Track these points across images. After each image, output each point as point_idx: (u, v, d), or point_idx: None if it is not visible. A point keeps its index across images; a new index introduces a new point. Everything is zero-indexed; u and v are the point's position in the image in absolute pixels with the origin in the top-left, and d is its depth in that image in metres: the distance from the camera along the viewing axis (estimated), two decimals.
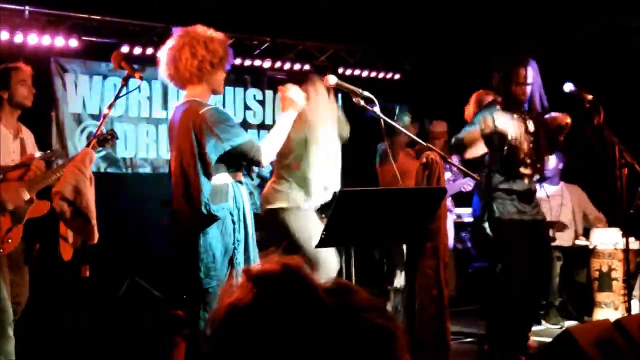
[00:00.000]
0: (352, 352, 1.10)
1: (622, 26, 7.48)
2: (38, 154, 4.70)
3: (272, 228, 5.04)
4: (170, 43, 3.90)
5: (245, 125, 8.33)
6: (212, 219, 3.72)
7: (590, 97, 4.91)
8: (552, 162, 6.91)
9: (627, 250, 5.16)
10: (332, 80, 4.33)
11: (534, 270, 5.04)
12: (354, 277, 4.08)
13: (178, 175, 3.83)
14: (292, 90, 4.11)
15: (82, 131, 7.55)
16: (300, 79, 4.72)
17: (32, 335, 4.97)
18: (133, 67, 4.02)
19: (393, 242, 5.62)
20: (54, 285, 5.31)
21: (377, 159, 5.81)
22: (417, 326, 5.01)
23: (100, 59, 7.50)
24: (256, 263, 3.70)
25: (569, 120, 5.06)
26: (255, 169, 7.02)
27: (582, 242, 7.00)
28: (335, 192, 4.27)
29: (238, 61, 7.93)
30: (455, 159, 7.17)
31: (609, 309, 6.42)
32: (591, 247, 6.69)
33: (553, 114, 5.11)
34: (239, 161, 3.92)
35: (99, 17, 7.31)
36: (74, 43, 7.20)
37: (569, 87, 5.03)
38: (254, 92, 8.71)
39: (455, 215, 7.88)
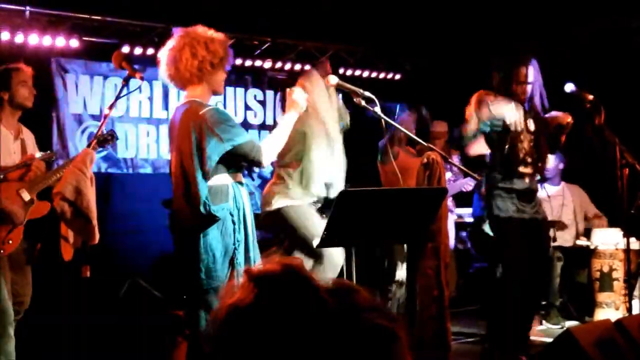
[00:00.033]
0: (353, 352, 1.10)
1: (622, 26, 7.48)
2: (38, 154, 4.70)
3: (274, 229, 5.04)
4: (170, 43, 3.90)
5: (246, 125, 8.33)
6: (211, 219, 3.72)
7: (590, 97, 4.91)
8: (551, 162, 6.90)
9: (627, 250, 5.16)
10: (333, 80, 4.34)
11: (534, 269, 5.04)
12: (354, 276, 4.09)
13: (178, 176, 3.83)
14: (296, 92, 4.12)
15: (83, 131, 7.55)
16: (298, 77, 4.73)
17: (33, 335, 4.98)
18: (133, 67, 4.03)
19: (394, 242, 5.62)
20: (55, 285, 5.31)
21: (379, 156, 5.81)
22: (417, 326, 5.01)
23: (101, 59, 7.50)
24: (257, 263, 3.71)
25: (569, 119, 5.06)
26: (256, 169, 7.02)
27: (582, 242, 7.00)
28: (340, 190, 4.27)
29: (238, 61, 7.94)
30: (455, 159, 7.18)
31: (609, 309, 6.42)
32: (592, 247, 6.69)
33: (554, 113, 5.11)
34: (240, 161, 3.92)
35: (99, 17, 7.31)
36: (74, 43, 7.20)
37: (569, 87, 5.03)
38: (254, 92, 8.71)
39: (456, 215, 7.88)
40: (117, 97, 4.09)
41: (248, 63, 8.30)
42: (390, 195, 4.16)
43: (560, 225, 6.94)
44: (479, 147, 5.19)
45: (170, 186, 3.94)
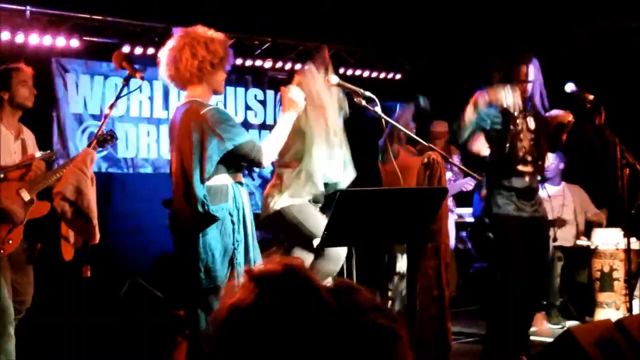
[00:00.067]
0: (354, 352, 1.10)
1: (622, 26, 7.49)
2: (38, 154, 4.70)
3: (274, 229, 5.03)
4: (170, 43, 3.90)
5: (246, 125, 8.33)
6: (210, 218, 3.72)
7: (591, 97, 4.91)
8: (552, 162, 6.90)
9: (628, 250, 5.16)
10: (334, 79, 4.34)
11: (533, 268, 5.04)
12: (354, 273, 4.09)
13: (178, 176, 3.83)
14: (293, 91, 4.11)
15: (83, 131, 7.55)
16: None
17: (33, 335, 4.98)
18: (134, 67, 4.03)
19: (394, 242, 5.62)
20: (55, 285, 5.31)
21: (379, 156, 5.81)
22: (417, 326, 5.01)
23: (101, 59, 7.50)
24: (257, 263, 3.71)
25: (570, 118, 5.06)
26: (256, 168, 7.02)
27: (583, 242, 7.00)
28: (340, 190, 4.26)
29: (239, 61, 7.94)
30: (456, 159, 7.19)
31: (610, 309, 6.42)
32: (592, 247, 6.69)
33: (554, 112, 5.12)
34: (240, 162, 3.92)
35: (100, 17, 7.31)
36: (75, 43, 7.20)
37: (570, 87, 5.04)
38: (254, 92, 8.71)
39: (456, 215, 7.88)
40: (118, 97, 4.09)
41: (248, 63, 8.31)
42: (391, 195, 4.16)
43: (559, 222, 6.93)
44: (480, 145, 5.20)
45: (170, 186, 3.94)
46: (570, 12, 7.12)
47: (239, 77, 8.46)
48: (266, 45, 8.33)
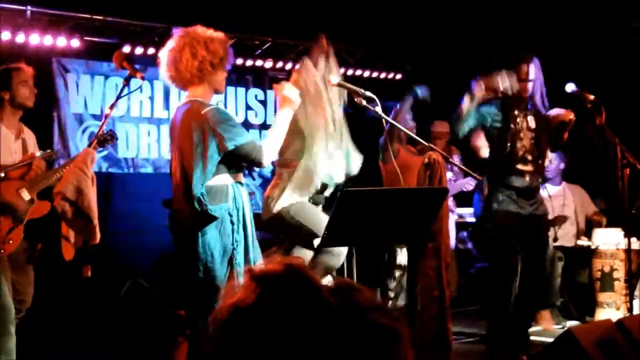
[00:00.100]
0: (355, 352, 1.10)
1: (622, 26, 7.48)
2: (38, 153, 4.70)
3: (274, 229, 5.02)
4: (170, 44, 3.90)
5: (247, 125, 8.33)
6: (208, 217, 3.72)
7: (591, 97, 4.91)
8: (552, 162, 6.90)
9: (628, 250, 5.16)
10: (334, 80, 4.33)
11: (531, 265, 5.04)
12: (355, 272, 4.09)
13: (178, 176, 3.83)
14: (287, 88, 4.11)
15: (84, 131, 7.55)
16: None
17: (34, 334, 4.98)
18: (134, 67, 4.03)
19: (394, 242, 5.63)
20: (56, 285, 5.31)
21: (380, 155, 5.81)
22: (418, 326, 5.01)
23: (102, 59, 7.50)
24: (257, 263, 3.71)
25: (572, 116, 5.06)
26: (256, 168, 7.02)
27: (583, 242, 6.99)
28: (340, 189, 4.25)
29: (239, 61, 7.94)
30: (456, 159, 7.19)
31: (610, 309, 6.42)
32: (593, 247, 6.69)
33: (556, 110, 5.11)
34: (240, 162, 3.92)
35: (100, 17, 7.31)
36: (75, 43, 7.20)
37: (570, 87, 5.04)
38: (255, 92, 8.71)
39: (457, 215, 7.88)
40: (118, 97, 4.09)
41: (249, 63, 8.31)
42: (391, 195, 4.16)
43: (560, 220, 6.93)
44: (481, 143, 5.20)
45: (171, 186, 3.94)
46: (570, 12, 7.12)
47: (239, 77, 8.46)
48: (267, 45, 8.33)
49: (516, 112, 5.02)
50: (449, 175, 6.90)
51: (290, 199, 4.62)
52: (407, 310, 5.22)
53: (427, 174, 5.07)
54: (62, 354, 4.99)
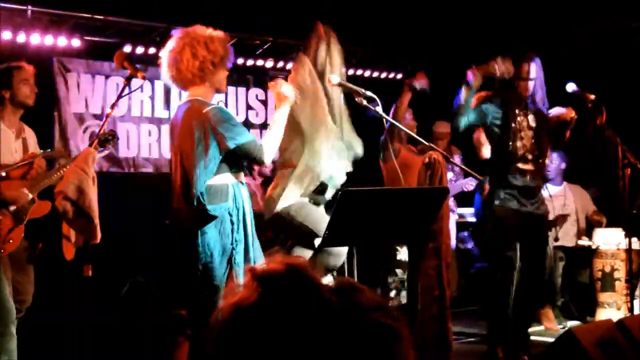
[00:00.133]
0: (356, 351, 1.10)
1: (622, 26, 7.49)
2: (39, 153, 4.71)
3: (275, 229, 5.02)
4: (170, 45, 3.90)
5: (248, 124, 8.33)
6: (207, 216, 3.72)
7: (592, 96, 4.92)
8: (553, 162, 6.91)
9: (629, 250, 5.16)
10: (335, 79, 4.32)
11: (531, 264, 5.04)
12: (355, 274, 4.09)
13: (178, 175, 3.83)
14: (283, 85, 4.11)
15: (85, 131, 7.55)
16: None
17: (35, 334, 4.98)
18: (135, 67, 4.03)
19: (395, 241, 5.63)
20: (57, 284, 5.31)
21: (380, 154, 5.81)
22: (418, 326, 5.02)
23: (103, 59, 7.50)
24: (257, 263, 3.71)
25: (573, 115, 5.06)
26: (256, 167, 7.02)
27: (584, 242, 7.00)
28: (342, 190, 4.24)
29: (240, 61, 7.94)
30: (457, 159, 7.19)
31: (611, 309, 6.42)
32: (594, 247, 6.69)
33: (557, 109, 5.11)
34: (241, 161, 3.92)
35: (101, 17, 7.31)
36: (76, 42, 7.20)
37: (571, 87, 5.04)
38: (256, 92, 8.71)
39: (457, 214, 7.88)
40: (119, 97, 4.10)
41: (250, 63, 8.31)
42: (392, 194, 4.16)
43: (560, 220, 6.93)
44: (483, 138, 5.21)
45: (171, 186, 3.94)
46: (570, 12, 7.12)
47: (240, 77, 8.46)
48: (267, 45, 8.33)
49: (517, 111, 5.02)
50: (449, 175, 6.90)
51: (291, 198, 4.60)
52: (407, 310, 5.22)
53: (427, 173, 5.08)
54: (63, 353, 4.99)
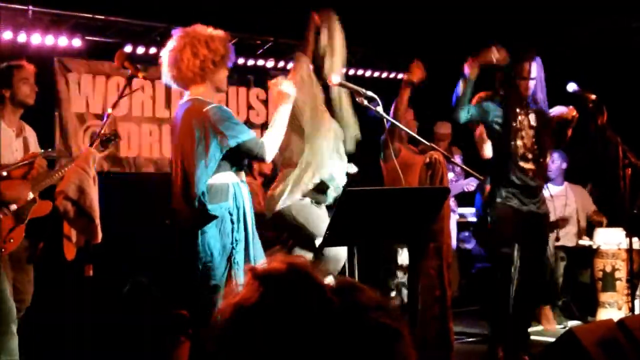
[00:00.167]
0: (357, 351, 1.10)
1: (622, 26, 7.49)
2: (40, 152, 4.71)
3: (279, 229, 5.01)
4: (170, 44, 3.90)
5: (249, 124, 8.31)
6: (207, 216, 3.72)
7: (593, 96, 4.92)
8: (555, 162, 6.91)
9: (630, 250, 5.16)
10: (336, 79, 4.32)
11: (530, 264, 5.04)
12: (356, 274, 4.09)
13: (178, 174, 3.83)
14: (283, 83, 4.11)
15: (85, 130, 7.55)
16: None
17: (36, 333, 4.98)
18: (136, 67, 4.03)
19: (396, 241, 5.62)
20: (58, 284, 5.31)
21: (381, 154, 5.81)
22: (419, 326, 5.02)
23: (104, 59, 7.50)
24: (257, 262, 3.71)
25: (575, 113, 5.06)
26: (256, 167, 7.02)
27: (585, 242, 7.00)
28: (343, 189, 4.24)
29: (241, 60, 7.94)
30: (458, 159, 7.18)
31: (612, 309, 6.42)
32: (594, 247, 6.69)
33: (558, 108, 5.11)
34: (242, 159, 3.92)
35: (102, 17, 7.31)
36: (77, 42, 7.20)
37: (572, 87, 5.04)
38: (257, 92, 8.71)
39: (458, 214, 7.88)
40: (120, 97, 4.10)
41: (250, 62, 8.31)
42: (393, 194, 4.16)
43: (562, 222, 6.93)
44: (485, 136, 5.21)
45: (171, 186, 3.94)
46: (570, 12, 7.12)
47: (241, 77, 8.46)
48: (268, 45, 8.33)
49: (518, 110, 5.02)
50: (450, 175, 6.90)
51: (292, 197, 4.59)
52: (408, 310, 5.23)
53: (428, 173, 5.08)
54: (64, 353, 4.99)
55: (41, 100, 4.94)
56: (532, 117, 5.05)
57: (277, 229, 4.94)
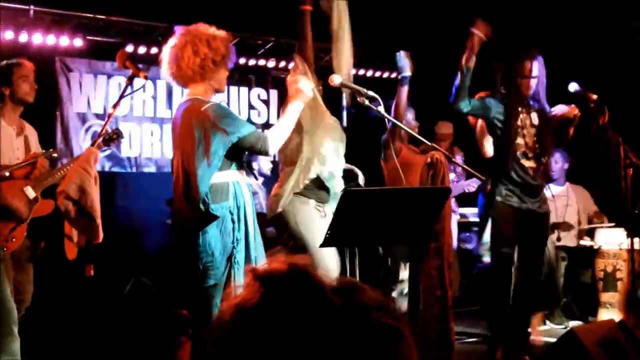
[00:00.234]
0: (359, 351, 1.10)
1: (622, 26, 7.49)
2: (41, 152, 4.71)
3: (280, 229, 5.00)
4: (172, 41, 3.89)
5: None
6: (210, 217, 3.71)
7: (594, 96, 4.91)
8: (557, 163, 6.91)
9: (631, 250, 5.16)
10: (337, 79, 4.31)
11: (529, 263, 5.03)
12: (357, 276, 4.08)
13: (179, 175, 3.82)
14: (302, 80, 4.10)
15: (87, 130, 7.56)
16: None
17: (37, 333, 4.98)
18: (137, 66, 4.03)
19: (397, 241, 5.62)
20: (59, 283, 5.31)
21: (381, 154, 5.81)
22: (420, 326, 5.02)
23: (105, 58, 7.51)
24: (258, 261, 3.70)
25: (577, 112, 5.05)
26: (255, 167, 7.02)
27: (586, 242, 6.99)
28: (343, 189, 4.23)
29: (242, 60, 7.95)
30: (459, 159, 7.18)
31: (613, 309, 6.42)
32: (596, 247, 6.69)
33: (560, 107, 5.10)
34: (243, 157, 3.92)
35: (103, 17, 7.32)
36: (78, 42, 7.21)
37: (573, 87, 5.04)
38: (258, 92, 8.72)
39: (459, 214, 7.88)
40: (121, 96, 4.10)
41: (252, 62, 8.32)
42: (394, 194, 4.16)
43: (564, 226, 6.93)
44: (486, 132, 5.21)
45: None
46: (570, 12, 7.11)
47: (242, 77, 8.47)
48: (269, 45, 8.33)
49: (519, 109, 5.02)
50: (451, 176, 6.90)
51: (293, 197, 4.56)
52: (409, 310, 5.22)
53: (429, 173, 5.08)
54: (65, 353, 5.00)
55: (42, 99, 4.94)
56: (533, 116, 5.05)
57: (278, 228, 4.94)
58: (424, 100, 6.50)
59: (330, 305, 1.12)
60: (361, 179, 5.07)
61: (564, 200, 7.01)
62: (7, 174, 4.46)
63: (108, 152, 7.51)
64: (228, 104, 8.15)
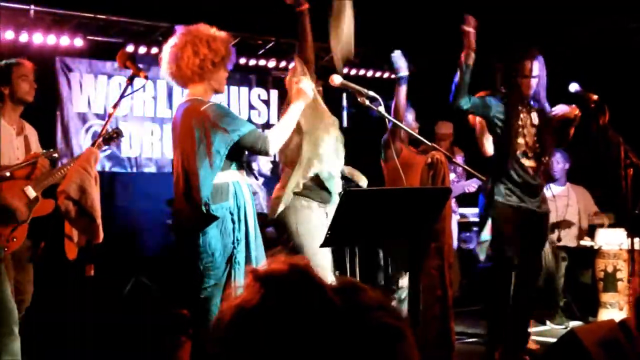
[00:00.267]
0: (359, 351, 1.10)
1: (622, 26, 7.49)
2: (41, 152, 4.71)
3: (281, 230, 5.00)
4: (172, 41, 3.89)
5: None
6: (211, 218, 3.71)
7: (595, 97, 4.91)
8: (558, 163, 6.91)
9: (632, 251, 5.15)
10: (337, 79, 4.31)
11: (528, 263, 5.03)
12: (357, 277, 4.08)
13: (179, 175, 3.82)
14: (304, 81, 4.10)
15: (87, 130, 7.56)
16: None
17: (37, 333, 4.99)
18: (138, 67, 4.02)
19: (397, 242, 5.61)
20: (59, 283, 5.32)
21: (382, 154, 5.81)
22: (421, 326, 5.01)
23: (105, 58, 7.52)
24: (258, 261, 3.69)
25: (577, 112, 5.04)
26: (255, 167, 7.02)
27: (587, 242, 6.99)
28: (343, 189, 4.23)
29: (242, 60, 7.95)
30: (459, 159, 7.18)
31: (613, 309, 6.42)
32: (596, 247, 6.69)
33: (561, 106, 5.10)
34: (244, 154, 3.92)
35: (103, 17, 7.32)
36: (78, 42, 7.21)
37: (574, 87, 5.04)
38: (258, 92, 8.72)
39: (459, 214, 7.88)
40: (122, 96, 4.09)
41: (252, 62, 8.32)
42: (394, 194, 4.16)
43: (564, 224, 6.93)
44: (486, 130, 5.20)
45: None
46: (570, 12, 7.11)
47: (242, 77, 8.47)
48: (270, 45, 8.33)
49: (520, 108, 5.01)
50: (451, 176, 6.90)
51: (297, 199, 4.54)
52: (409, 310, 5.22)
53: (430, 173, 5.07)
54: (66, 352, 5.00)
55: (42, 99, 4.94)
56: (534, 116, 5.05)
57: (279, 229, 4.93)
58: (424, 100, 6.50)
59: (331, 306, 1.12)
60: (364, 185, 5.05)
61: (565, 200, 7.01)
62: (7, 174, 4.46)
63: (108, 152, 7.52)
64: (228, 104, 8.15)
